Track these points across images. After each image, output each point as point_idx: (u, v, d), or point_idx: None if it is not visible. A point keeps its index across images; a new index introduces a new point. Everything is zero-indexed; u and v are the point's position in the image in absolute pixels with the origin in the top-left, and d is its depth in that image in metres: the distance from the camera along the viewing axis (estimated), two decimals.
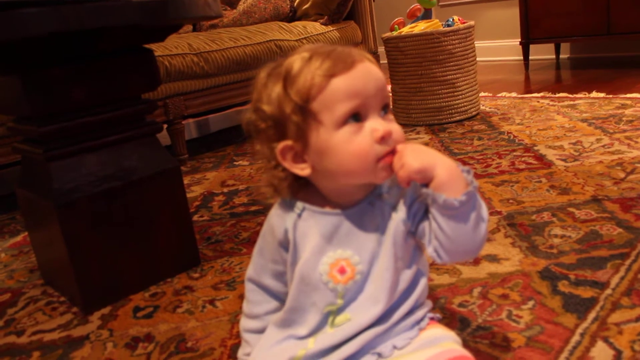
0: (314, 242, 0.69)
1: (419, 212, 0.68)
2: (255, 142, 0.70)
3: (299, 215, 0.71)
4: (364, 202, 0.70)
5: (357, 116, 0.63)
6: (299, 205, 0.71)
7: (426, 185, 0.64)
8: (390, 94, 2.52)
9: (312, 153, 0.65)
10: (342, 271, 0.68)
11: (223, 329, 1.01)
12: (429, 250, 0.67)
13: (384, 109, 0.66)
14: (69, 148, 1.13)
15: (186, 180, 2.04)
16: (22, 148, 1.20)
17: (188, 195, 1.81)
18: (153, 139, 1.26)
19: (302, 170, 0.67)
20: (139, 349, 0.99)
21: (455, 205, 0.62)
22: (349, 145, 0.63)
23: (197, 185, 1.98)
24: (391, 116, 0.67)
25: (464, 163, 1.76)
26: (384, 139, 0.63)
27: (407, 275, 0.70)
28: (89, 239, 1.14)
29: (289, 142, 0.66)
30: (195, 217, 1.63)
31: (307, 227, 0.70)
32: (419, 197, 0.68)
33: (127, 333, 1.05)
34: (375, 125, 0.64)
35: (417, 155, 0.63)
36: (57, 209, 1.09)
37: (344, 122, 0.63)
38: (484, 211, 0.66)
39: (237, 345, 0.90)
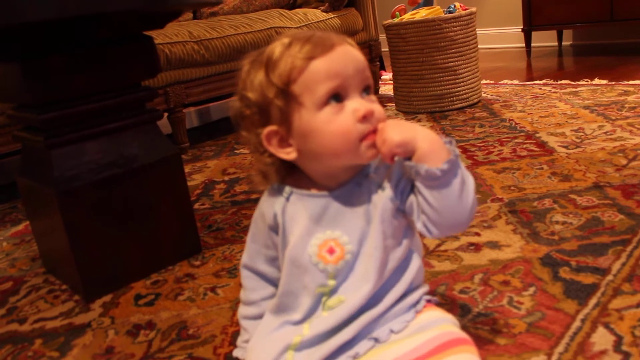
0: (302, 224, 0.70)
1: (406, 189, 0.68)
2: (241, 129, 0.72)
3: (287, 199, 0.72)
4: (351, 182, 0.70)
5: (337, 97, 0.65)
6: (287, 189, 0.72)
7: (410, 159, 0.65)
8: (392, 81, 2.51)
9: (296, 136, 0.67)
10: (331, 251, 0.69)
11: (224, 316, 1.01)
12: (418, 226, 0.68)
13: (366, 90, 0.67)
14: (70, 135, 1.13)
15: (187, 169, 2.03)
16: (23, 136, 1.20)
17: (189, 183, 1.81)
18: (153, 126, 1.25)
19: (288, 154, 0.68)
20: (141, 336, 0.99)
21: (437, 174, 0.62)
22: (330, 125, 0.64)
23: (198, 174, 1.97)
24: (373, 97, 0.68)
25: (465, 150, 1.75)
26: (365, 117, 0.64)
27: (397, 254, 0.70)
28: (89, 226, 1.14)
29: (273, 127, 0.67)
30: (196, 205, 1.63)
31: (296, 210, 0.71)
32: (404, 174, 0.68)
33: (129, 320, 1.05)
34: (356, 105, 0.65)
35: (398, 129, 0.64)
36: (58, 196, 1.09)
37: (325, 102, 0.64)
38: (470, 180, 0.66)
39: (238, 333, 0.90)
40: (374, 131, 0.65)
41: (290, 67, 0.64)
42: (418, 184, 0.65)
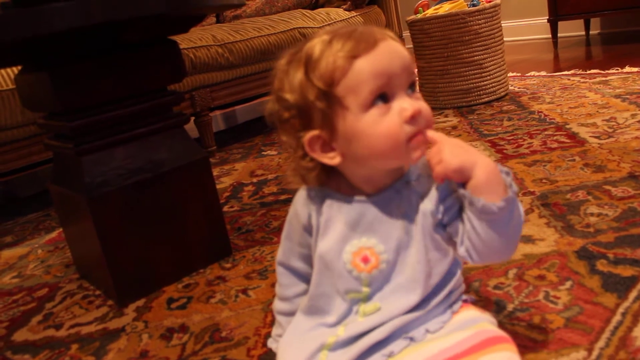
0: (337, 230, 0.68)
1: (453, 208, 0.66)
2: (279, 132, 0.68)
3: (323, 201, 0.69)
4: (390, 189, 0.68)
5: (384, 97, 0.61)
6: (324, 191, 0.70)
7: (463, 184, 0.63)
8: (417, 78, 2.49)
9: (341, 140, 0.63)
10: (365, 260, 0.67)
11: (256, 317, 1.01)
12: (461, 250, 0.66)
13: (411, 87, 0.64)
14: (99, 142, 1.14)
15: (215, 172, 2.04)
16: (53, 144, 1.21)
17: (218, 186, 1.82)
18: (181, 130, 1.26)
19: (332, 159, 0.65)
20: (174, 340, 1.00)
21: (493, 210, 0.60)
22: (377, 127, 0.61)
23: (226, 176, 1.98)
24: (419, 95, 0.65)
25: (494, 144, 1.73)
26: (413, 118, 0.61)
27: (441, 267, 0.68)
28: (121, 231, 1.15)
29: (315, 132, 0.64)
30: (225, 208, 1.63)
31: (331, 213, 0.69)
32: (453, 192, 0.65)
33: (162, 324, 1.06)
34: (404, 104, 0.61)
35: (457, 153, 0.61)
36: (89, 202, 1.10)
37: (370, 104, 0.61)
38: (521, 214, 0.64)
39: (270, 334, 0.90)
40: (421, 132, 0.62)
41: (333, 67, 0.60)
42: (469, 213, 0.63)
